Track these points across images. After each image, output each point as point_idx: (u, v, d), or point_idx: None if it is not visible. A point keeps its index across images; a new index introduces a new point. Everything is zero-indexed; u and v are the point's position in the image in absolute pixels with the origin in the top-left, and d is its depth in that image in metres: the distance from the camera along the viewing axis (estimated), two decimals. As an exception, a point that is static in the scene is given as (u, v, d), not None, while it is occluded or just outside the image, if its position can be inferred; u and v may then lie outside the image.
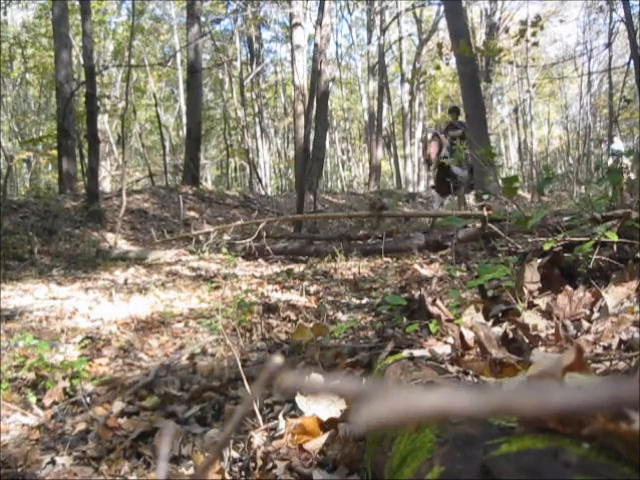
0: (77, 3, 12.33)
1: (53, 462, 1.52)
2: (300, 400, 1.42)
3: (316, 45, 8.26)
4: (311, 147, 8.57)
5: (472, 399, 0.27)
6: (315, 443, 1.32)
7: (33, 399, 1.94)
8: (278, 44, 28.27)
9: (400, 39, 20.97)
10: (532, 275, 2.02)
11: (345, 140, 28.61)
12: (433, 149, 8.50)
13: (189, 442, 1.57)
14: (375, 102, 20.51)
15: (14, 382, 2.05)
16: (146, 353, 2.60)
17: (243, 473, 1.32)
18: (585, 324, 1.61)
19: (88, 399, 1.95)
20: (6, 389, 1.97)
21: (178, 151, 20.89)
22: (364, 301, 3.42)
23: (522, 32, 9.02)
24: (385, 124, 20.94)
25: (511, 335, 1.46)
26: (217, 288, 4.10)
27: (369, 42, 21.45)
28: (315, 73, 8.42)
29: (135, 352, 2.60)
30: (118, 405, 1.88)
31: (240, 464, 1.35)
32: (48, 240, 7.03)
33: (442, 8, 12.79)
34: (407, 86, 20.99)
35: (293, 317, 3.07)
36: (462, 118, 8.96)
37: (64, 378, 2.04)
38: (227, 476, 1.29)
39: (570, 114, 25.11)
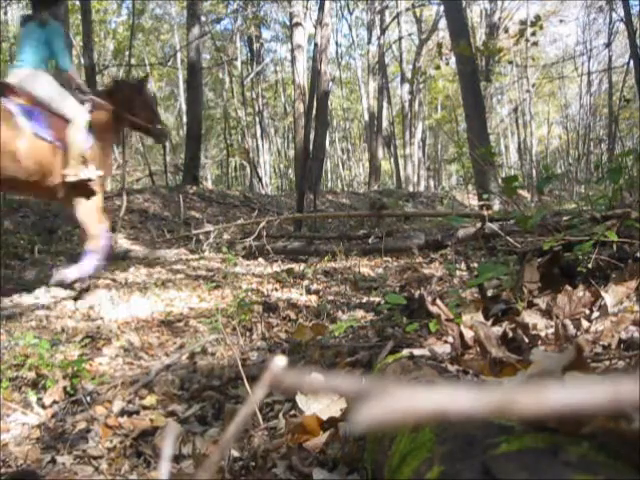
0: (77, 3, 12.33)
1: (53, 461, 1.52)
2: (300, 399, 1.43)
3: (316, 45, 8.26)
4: (311, 147, 8.58)
5: (472, 398, 0.27)
6: (315, 442, 1.32)
7: (33, 398, 1.95)
8: (278, 44, 28.26)
9: (400, 39, 20.96)
10: (532, 274, 2.02)
11: (345, 140, 28.61)
12: None
13: (189, 441, 1.57)
14: (375, 102, 20.50)
15: (14, 381, 2.05)
16: (146, 352, 2.60)
17: (243, 472, 1.32)
18: (585, 323, 1.61)
19: (88, 398, 1.95)
20: (6, 388, 1.98)
21: (178, 150, 20.88)
22: (364, 300, 3.43)
23: (522, 32, 9.02)
24: (385, 124, 20.92)
25: (511, 334, 1.46)
26: (217, 287, 4.10)
27: (369, 42, 21.44)
28: (315, 73, 8.42)
29: (135, 351, 2.60)
30: (118, 404, 1.88)
31: (240, 463, 1.36)
32: (48, 239, 7.03)
33: (442, 8, 12.80)
34: (407, 86, 20.98)
35: (293, 316, 3.08)
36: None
37: (64, 377, 2.04)
38: (227, 475, 1.30)
39: (570, 114, 25.11)
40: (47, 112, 3.58)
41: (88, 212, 3.84)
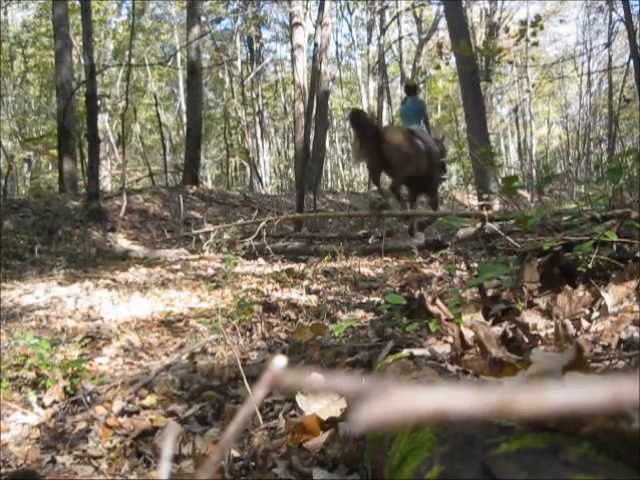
0: (77, 3, 12.33)
1: (53, 461, 1.52)
2: (300, 399, 1.43)
3: (316, 45, 8.26)
4: (311, 147, 8.58)
5: (472, 398, 0.27)
6: (315, 442, 1.32)
7: (33, 398, 1.95)
8: (278, 44, 28.27)
9: (400, 39, 20.95)
10: (532, 274, 2.02)
11: (345, 140, 28.59)
12: None
13: (189, 441, 1.58)
14: (375, 102, 20.50)
15: (15, 381, 2.06)
16: (146, 352, 2.60)
17: (243, 472, 1.32)
18: (585, 323, 1.61)
19: (88, 398, 1.95)
20: (7, 388, 1.98)
21: (178, 150, 20.89)
22: (364, 300, 3.42)
23: (522, 32, 9.03)
24: (385, 124, 20.91)
25: (511, 334, 1.46)
26: (217, 287, 4.10)
27: (369, 42, 21.44)
28: (315, 73, 8.42)
29: (135, 351, 2.60)
30: (118, 404, 1.88)
31: (240, 463, 1.36)
32: (48, 239, 7.04)
33: (442, 8, 12.79)
34: (407, 86, 20.94)
35: (293, 316, 3.08)
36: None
37: (64, 377, 2.04)
38: (227, 475, 1.30)
39: (570, 114, 25.09)
40: (428, 145, 6.49)
41: (435, 198, 6.90)
